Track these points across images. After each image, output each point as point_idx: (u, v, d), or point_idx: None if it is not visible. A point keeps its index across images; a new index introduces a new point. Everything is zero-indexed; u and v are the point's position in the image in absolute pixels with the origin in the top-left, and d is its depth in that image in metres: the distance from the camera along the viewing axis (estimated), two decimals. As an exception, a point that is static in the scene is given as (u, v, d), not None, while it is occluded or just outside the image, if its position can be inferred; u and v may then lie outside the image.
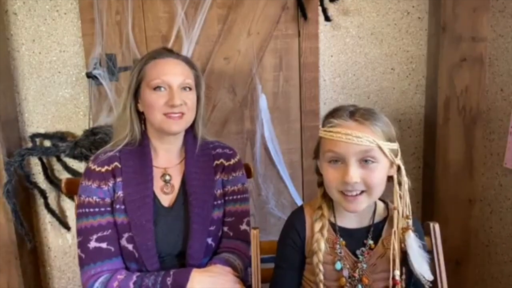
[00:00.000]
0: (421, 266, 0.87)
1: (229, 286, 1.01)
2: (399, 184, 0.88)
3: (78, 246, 1.05)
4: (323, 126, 0.89)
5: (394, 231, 0.88)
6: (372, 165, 0.83)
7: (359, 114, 0.85)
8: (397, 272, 0.87)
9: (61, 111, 1.60)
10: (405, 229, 0.88)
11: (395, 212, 0.88)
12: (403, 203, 0.88)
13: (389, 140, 0.86)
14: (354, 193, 0.84)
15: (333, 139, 0.84)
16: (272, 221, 1.67)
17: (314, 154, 0.94)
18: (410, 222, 0.89)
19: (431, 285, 0.88)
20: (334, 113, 0.88)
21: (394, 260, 0.87)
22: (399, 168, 0.88)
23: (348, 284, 0.89)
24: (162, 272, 1.02)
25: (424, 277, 0.87)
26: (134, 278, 1.01)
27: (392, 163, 0.87)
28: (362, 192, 0.85)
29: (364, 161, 0.83)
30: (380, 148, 0.83)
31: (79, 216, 1.06)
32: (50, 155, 1.56)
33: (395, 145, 0.87)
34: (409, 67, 1.65)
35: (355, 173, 0.82)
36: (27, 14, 1.53)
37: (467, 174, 1.58)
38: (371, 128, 0.83)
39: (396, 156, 0.87)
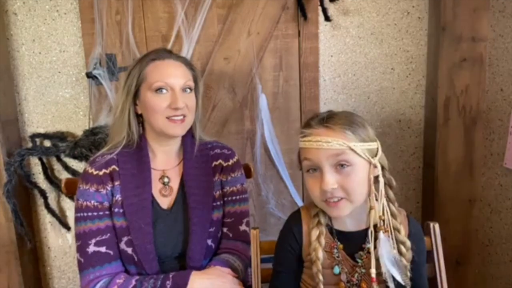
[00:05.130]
0: (389, 269, 0.84)
1: (228, 287, 1.01)
2: (378, 183, 0.86)
3: (77, 250, 1.05)
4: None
5: (371, 231, 0.86)
6: (347, 169, 0.83)
7: (329, 119, 0.85)
8: (373, 270, 0.85)
9: (61, 111, 1.60)
10: (378, 229, 0.86)
11: (372, 211, 0.86)
12: (379, 203, 0.86)
13: (364, 140, 0.85)
14: (336, 199, 0.84)
15: (306, 147, 0.85)
16: (272, 221, 1.67)
17: (299, 164, 0.92)
18: (384, 223, 0.86)
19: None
20: (306, 123, 0.89)
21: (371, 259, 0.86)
22: (383, 167, 0.86)
23: None
24: (161, 275, 1.02)
25: (391, 281, 0.83)
26: (133, 282, 1.00)
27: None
28: (342, 198, 0.84)
29: (339, 165, 0.83)
30: (352, 150, 0.82)
31: (77, 220, 1.06)
32: (50, 155, 1.56)
33: (373, 144, 0.86)
34: (409, 67, 1.65)
35: (330, 179, 0.82)
36: (27, 14, 1.53)
37: (467, 174, 1.58)
38: (340, 132, 0.83)
39: (375, 155, 0.86)
